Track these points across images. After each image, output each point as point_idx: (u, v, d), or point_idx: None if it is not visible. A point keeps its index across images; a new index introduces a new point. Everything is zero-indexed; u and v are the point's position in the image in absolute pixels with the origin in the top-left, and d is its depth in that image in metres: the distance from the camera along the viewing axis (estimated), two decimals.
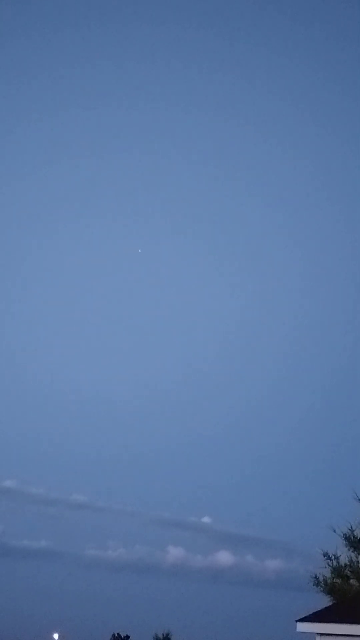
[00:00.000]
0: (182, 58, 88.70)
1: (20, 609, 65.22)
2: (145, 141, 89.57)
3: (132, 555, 78.20)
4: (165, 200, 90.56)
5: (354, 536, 23.58)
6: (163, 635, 57.43)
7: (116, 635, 61.86)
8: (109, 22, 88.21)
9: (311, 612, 22.25)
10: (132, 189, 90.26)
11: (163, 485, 77.08)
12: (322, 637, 21.68)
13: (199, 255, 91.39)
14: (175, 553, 76.80)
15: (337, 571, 23.43)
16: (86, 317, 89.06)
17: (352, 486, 24.12)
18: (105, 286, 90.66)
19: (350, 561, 23.58)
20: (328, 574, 23.47)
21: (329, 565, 23.58)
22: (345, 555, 23.66)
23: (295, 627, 22.06)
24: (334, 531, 23.63)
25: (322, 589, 23.30)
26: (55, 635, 61.04)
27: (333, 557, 23.61)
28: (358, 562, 23.56)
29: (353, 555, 23.61)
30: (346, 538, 23.62)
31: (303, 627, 21.93)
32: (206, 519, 77.79)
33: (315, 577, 23.46)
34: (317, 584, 23.39)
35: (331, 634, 21.54)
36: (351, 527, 23.60)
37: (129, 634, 61.97)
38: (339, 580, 23.30)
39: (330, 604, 22.95)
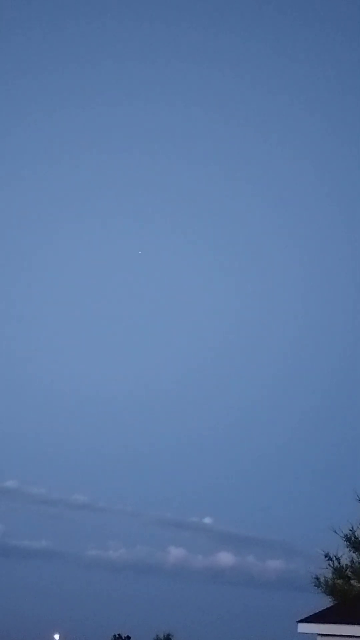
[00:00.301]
0: (182, 58, 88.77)
1: (21, 609, 65.24)
2: (145, 143, 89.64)
3: (133, 556, 78.25)
4: (165, 201, 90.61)
5: (355, 537, 23.55)
6: (164, 635, 57.48)
7: (117, 635, 61.86)
8: (109, 21, 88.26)
9: (312, 613, 22.22)
10: (132, 191, 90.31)
11: (164, 485, 77.12)
12: (323, 637, 21.66)
13: (198, 256, 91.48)
14: (176, 553, 76.86)
15: (338, 572, 23.40)
16: (87, 318, 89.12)
17: (353, 486, 24.11)
18: (106, 287, 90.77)
19: (352, 562, 23.55)
20: (329, 575, 23.44)
21: (330, 565, 23.56)
22: (346, 555, 23.64)
23: (297, 628, 22.04)
24: (335, 532, 23.61)
25: (323, 589, 23.27)
26: (56, 636, 61.07)
27: (334, 558, 23.58)
28: (359, 562, 23.53)
29: (354, 555, 23.59)
30: (347, 539, 23.60)
31: (304, 627, 21.91)
32: (207, 520, 77.85)
33: (317, 577, 23.44)
34: (318, 584, 23.36)
35: (332, 635, 21.52)
36: (352, 528, 23.59)
37: (129, 635, 61.99)
38: (340, 581, 23.28)
39: (331, 604, 22.93)
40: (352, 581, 23.31)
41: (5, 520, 77.50)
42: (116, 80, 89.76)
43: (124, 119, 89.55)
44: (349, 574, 23.38)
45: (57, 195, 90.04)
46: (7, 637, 55.90)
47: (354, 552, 23.61)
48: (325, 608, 22.64)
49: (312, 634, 21.90)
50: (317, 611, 22.33)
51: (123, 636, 61.82)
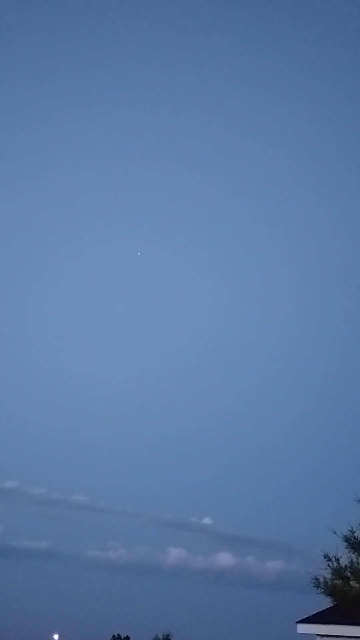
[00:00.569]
0: (182, 57, 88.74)
1: (21, 610, 65.25)
2: (145, 143, 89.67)
3: (133, 556, 78.28)
4: (165, 202, 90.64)
5: (354, 537, 23.60)
6: (163, 636, 57.54)
7: (116, 636, 61.94)
8: (109, 20, 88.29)
9: (311, 614, 22.26)
10: (131, 191, 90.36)
11: (164, 486, 77.14)
12: (323, 638, 21.69)
13: (198, 257, 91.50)
14: (175, 554, 76.86)
15: (338, 572, 23.45)
16: (86, 319, 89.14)
17: (352, 487, 24.18)
18: (105, 288, 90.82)
19: (351, 562, 23.60)
20: (328, 576, 23.50)
21: (329, 566, 23.62)
22: (345, 556, 23.71)
23: (296, 629, 22.07)
24: (335, 532, 23.69)
25: (322, 590, 23.33)
26: (56, 636, 61.11)
27: (333, 559, 23.64)
28: (358, 563, 23.57)
29: (353, 556, 23.63)
30: (346, 539, 23.65)
31: (303, 628, 21.94)
32: (207, 520, 77.87)
33: (316, 578, 23.49)
34: (318, 585, 23.41)
35: (331, 636, 21.55)
36: (351, 529, 23.65)
37: (129, 635, 62.07)
38: (339, 582, 23.32)
39: (330, 605, 22.97)
40: (351, 582, 23.35)
41: (5, 521, 77.59)
42: (116, 79, 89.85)
43: (124, 118, 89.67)
44: (349, 574, 23.43)
45: (57, 196, 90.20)
46: (7, 637, 55.94)
47: (353, 553, 23.65)
48: (324, 609, 22.68)
49: (311, 634, 21.93)
50: (316, 612, 22.37)
51: (122, 636, 61.89)
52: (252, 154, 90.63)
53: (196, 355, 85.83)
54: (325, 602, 23.11)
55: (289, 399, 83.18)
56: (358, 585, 23.31)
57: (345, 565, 23.56)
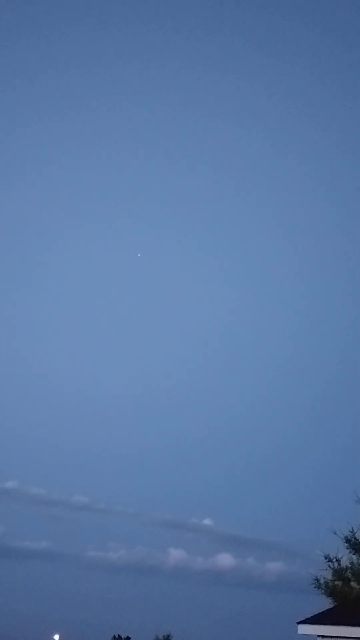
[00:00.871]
0: (183, 61, 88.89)
1: (21, 610, 65.25)
2: (146, 146, 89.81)
3: (133, 557, 78.28)
4: (165, 204, 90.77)
5: (355, 538, 23.57)
6: (163, 636, 57.55)
7: (117, 636, 61.92)
8: (110, 25, 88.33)
9: (312, 615, 22.27)
10: (131, 193, 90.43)
11: (164, 486, 77.15)
12: (323, 639, 21.71)
13: (197, 258, 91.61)
14: (176, 555, 76.85)
15: (338, 573, 23.42)
16: (87, 320, 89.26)
17: (353, 488, 24.15)
18: (106, 289, 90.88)
19: (352, 563, 23.57)
20: (329, 576, 23.46)
21: (330, 567, 23.58)
22: (346, 557, 23.66)
23: (297, 630, 22.08)
24: (335, 533, 23.63)
25: (323, 591, 23.30)
26: (56, 637, 61.07)
27: (334, 560, 23.61)
28: (359, 564, 23.57)
29: (354, 557, 23.61)
30: (347, 540, 23.62)
31: (304, 629, 21.95)
32: (207, 521, 77.85)
33: (316, 579, 23.46)
34: (318, 586, 23.38)
35: (332, 637, 21.56)
36: (352, 529, 23.59)
37: (129, 636, 62.04)
38: (340, 583, 23.30)
39: (331, 606, 22.95)
40: (352, 583, 23.33)
41: (5, 521, 77.59)
42: (117, 83, 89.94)
43: (124, 122, 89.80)
44: (349, 575, 23.40)
45: (58, 198, 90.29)
46: (7, 638, 55.95)
47: (354, 554, 23.63)
48: (325, 610, 22.68)
49: (312, 635, 21.94)
50: (317, 613, 22.38)
51: (123, 637, 61.88)
52: (251, 157, 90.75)
53: (196, 356, 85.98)
54: (326, 603, 23.10)
55: (288, 399, 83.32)
56: (358, 586, 23.29)
57: (346, 566, 23.53)
